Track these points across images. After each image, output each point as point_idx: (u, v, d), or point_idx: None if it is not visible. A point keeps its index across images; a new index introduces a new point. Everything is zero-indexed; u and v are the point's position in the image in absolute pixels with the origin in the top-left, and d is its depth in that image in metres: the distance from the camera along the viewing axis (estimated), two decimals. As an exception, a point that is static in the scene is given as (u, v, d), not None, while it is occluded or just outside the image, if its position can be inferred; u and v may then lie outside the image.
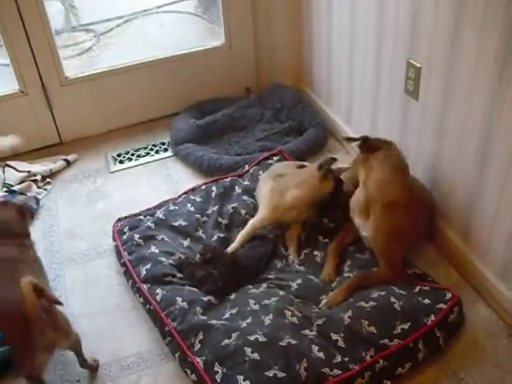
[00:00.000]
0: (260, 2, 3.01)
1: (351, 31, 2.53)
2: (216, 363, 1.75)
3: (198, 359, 1.79)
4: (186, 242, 2.27)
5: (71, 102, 2.94)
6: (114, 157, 2.91)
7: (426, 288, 1.96)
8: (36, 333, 1.55)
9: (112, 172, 2.82)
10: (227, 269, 2.06)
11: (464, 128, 1.93)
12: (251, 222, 2.24)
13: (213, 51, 3.12)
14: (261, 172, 2.51)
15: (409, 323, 1.83)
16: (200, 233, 2.32)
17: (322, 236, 2.25)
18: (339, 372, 1.72)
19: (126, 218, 2.40)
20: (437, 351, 1.84)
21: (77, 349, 1.81)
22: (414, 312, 1.86)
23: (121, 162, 2.88)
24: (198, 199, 2.43)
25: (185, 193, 2.49)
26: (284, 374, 1.69)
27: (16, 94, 2.85)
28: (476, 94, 1.83)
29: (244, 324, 1.86)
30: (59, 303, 1.69)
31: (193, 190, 2.51)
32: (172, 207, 2.39)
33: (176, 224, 2.31)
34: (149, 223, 2.30)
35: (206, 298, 1.98)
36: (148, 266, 2.11)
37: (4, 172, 2.72)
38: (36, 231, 2.38)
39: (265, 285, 2.06)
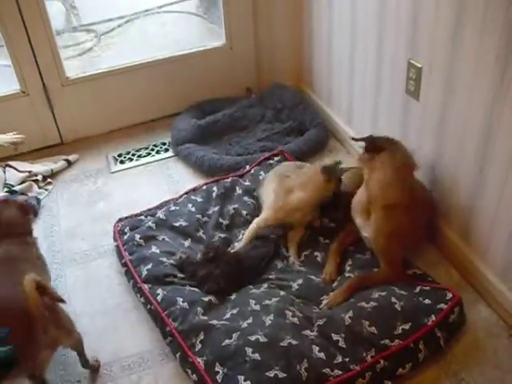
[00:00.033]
0: (261, 3, 3.01)
1: (352, 32, 2.53)
2: (217, 363, 1.76)
3: (199, 359, 1.79)
4: (186, 243, 2.27)
5: (72, 102, 2.94)
6: (114, 157, 2.92)
7: (427, 288, 1.96)
8: (39, 330, 1.56)
9: (113, 172, 2.82)
10: (229, 268, 2.07)
11: (464, 128, 1.93)
12: (255, 221, 2.25)
13: (214, 51, 3.12)
14: (262, 172, 2.51)
15: (409, 323, 1.83)
16: (201, 233, 2.32)
17: (323, 237, 2.25)
18: (340, 372, 1.72)
19: (126, 218, 2.41)
20: (437, 351, 1.84)
21: (79, 348, 1.82)
22: (414, 312, 1.86)
23: (122, 162, 2.88)
24: (199, 199, 2.44)
25: (186, 193, 2.49)
26: (285, 375, 1.69)
27: (17, 94, 2.85)
28: (477, 94, 1.83)
29: (245, 324, 1.86)
30: (62, 301, 1.70)
31: (194, 190, 2.51)
32: (173, 207, 2.39)
33: (177, 224, 2.31)
34: (150, 223, 2.31)
35: (206, 299, 1.98)
36: (149, 266, 2.11)
37: (5, 172, 2.73)
38: (37, 231, 2.36)
39: (265, 285, 2.06)
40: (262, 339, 1.78)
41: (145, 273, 2.10)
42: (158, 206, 2.45)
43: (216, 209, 2.40)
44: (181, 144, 2.87)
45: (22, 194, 2.63)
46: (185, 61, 3.07)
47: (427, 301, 1.90)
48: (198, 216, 2.37)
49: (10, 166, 2.76)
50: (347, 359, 1.76)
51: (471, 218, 2.02)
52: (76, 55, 3.71)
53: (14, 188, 2.65)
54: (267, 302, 1.93)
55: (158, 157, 2.90)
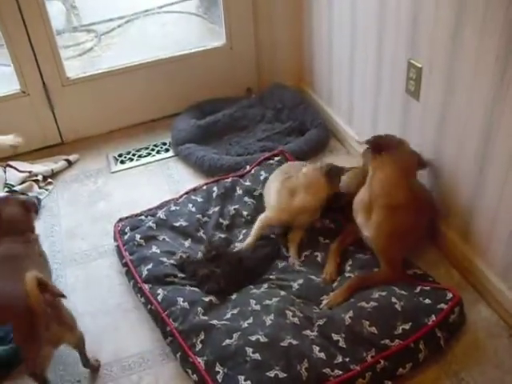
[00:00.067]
0: (261, 3, 3.01)
1: (352, 32, 2.53)
2: (217, 363, 1.76)
3: (200, 359, 1.79)
4: (186, 243, 2.27)
5: (72, 102, 2.95)
6: (115, 157, 2.92)
7: (427, 288, 1.96)
8: (41, 327, 1.58)
9: (113, 172, 2.82)
10: (230, 268, 2.07)
11: (464, 128, 1.93)
12: (260, 218, 2.25)
13: (214, 51, 3.12)
14: (262, 172, 2.51)
15: (410, 323, 1.83)
16: (201, 233, 2.32)
17: (323, 237, 2.25)
18: (340, 372, 1.72)
19: (127, 218, 2.41)
20: (438, 351, 1.84)
21: (80, 346, 1.82)
22: (414, 312, 1.86)
23: (122, 162, 2.88)
24: (199, 199, 2.44)
25: (186, 193, 2.49)
26: (285, 375, 1.69)
27: (17, 94, 2.85)
28: (477, 94, 1.83)
29: (245, 324, 1.86)
30: (63, 296, 1.71)
31: (194, 190, 2.51)
32: (173, 207, 2.39)
33: (177, 224, 2.32)
34: (150, 223, 2.31)
35: (207, 299, 1.98)
36: (149, 266, 2.12)
37: (5, 172, 2.73)
38: (37, 231, 2.37)
39: (266, 285, 2.06)
40: (263, 339, 1.78)
41: (145, 273, 2.10)
42: (159, 206, 2.45)
43: (216, 209, 2.40)
44: (181, 144, 2.87)
45: (23, 194, 2.63)
46: (185, 61, 3.07)
47: (427, 301, 1.90)
48: (198, 216, 2.37)
49: (11, 166, 2.76)
50: (347, 359, 1.76)
51: (471, 218, 2.02)
52: (76, 55, 3.71)
53: (15, 188, 2.65)
54: (268, 301, 1.93)
55: (158, 157, 2.90)
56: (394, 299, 1.89)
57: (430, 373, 1.82)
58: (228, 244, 2.24)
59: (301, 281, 2.07)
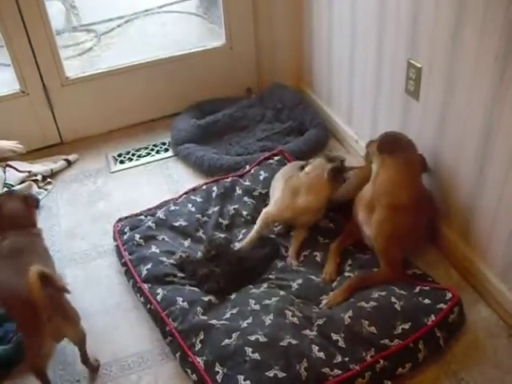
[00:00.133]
0: (261, 3, 3.01)
1: (352, 32, 2.53)
2: (217, 363, 1.76)
3: (199, 359, 1.79)
4: (186, 242, 2.27)
5: (72, 102, 2.94)
6: (114, 157, 2.92)
7: (427, 288, 1.96)
8: (43, 319, 1.60)
9: (113, 172, 2.82)
10: (230, 267, 2.07)
11: (464, 128, 1.93)
12: (263, 212, 2.24)
13: (214, 51, 3.12)
14: (262, 172, 2.51)
15: (409, 323, 1.83)
16: (200, 233, 2.32)
17: (323, 237, 2.25)
18: (339, 372, 1.72)
19: (126, 218, 2.41)
20: (437, 351, 1.84)
21: (81, 343, 1.83)
22: (414, 312, 1.86)
23: (121, 162, 2.88)
24: (199, 199, 2.44)
25: (185, 193, 2.49)
26: (284, 374, 1.69)
27: (17, 94, 2.85)
28: (476, 94, 1.83)
29: (244, 324, 1.86)
30: (66, 291, 1.73)
31: (193, 190, 2.51)
32: (173, 207, 2.39)
33: (177, 224, 2.31)
34: (149, 223, 2.31)
35: (206, 298, 1.98)
36: (149, 266, 2.11)
37: (5, 172, 2.72)
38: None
39: (265, 285, 2.06)
40: (262, 339, 1.78)
41: (144, 272, 2.10)
42: (158, 205, 2.45)
43: (216, 209, 2.40)
44: (180, 144, 2.87)
45: (22, 194, 2.63)
46: (185, 61, 3.07)
47: (427, 301, 1.90)
48: (197, 216, 2.37)
49: (10, 166, 2.75)
50: (347, 359, 1.76)
51: (471, 218, 2.02)
52: (76, 55, 3.71)
53: (14, 188, 2.64)
54: (267, 301, 1.93)
55: (157, 157, 2.90)
56: (393, 299, 1.89)
57: (429, 373, 1.81)
58: (228, 244, 2.24)
59: (300, 280, 2.06)
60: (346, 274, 2.07)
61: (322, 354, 1.76)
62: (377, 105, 2.47)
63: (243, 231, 2.31)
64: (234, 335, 1.82)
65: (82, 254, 2.37)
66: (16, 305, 1.67)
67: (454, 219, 2.12)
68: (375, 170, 2.03)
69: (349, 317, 1.85)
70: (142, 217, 2.39)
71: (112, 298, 2.16)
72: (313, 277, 2.09)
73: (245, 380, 1.69)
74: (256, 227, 2.22)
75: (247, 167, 2.60)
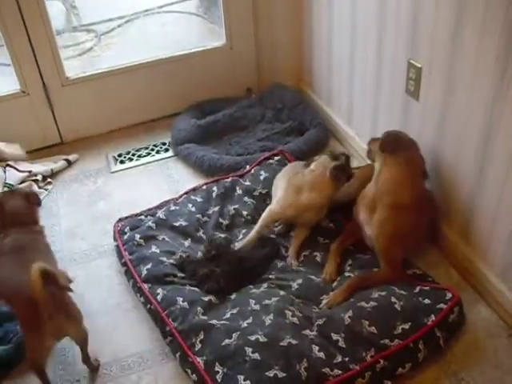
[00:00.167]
0: (261, 3, 3.01)
1: (352, 32, 2.53)
2: (217, 363, 1.76)
3: (199, 359, 1.79)
4: (186, 243, 2.27)
5: (72, 102, 2.94)
6: (114, 157, 2.92)
7: (427, 288, 1.96)
8: (44, 316, 1.61)
9: (113, 172, 2.82)
10: (230, 267, 2.07)
11: (464, 128, 1.93)
12: (266, 210, 2.24)
13: (214, 51, 3.12)
14: (262, 172, 2.51)
15: (409, 323, 1.83)
16: (201, 233, 2.32)
17: (322, 237, 2.25)
18: (340, 372, 1.72)
19: (126, 218, 2.41)
20: (437, 351, 1.84)
21: (83, 342, 1.83)
22: (414, 312, 1.86)
23: (122, 162, 2.88)
24: (199, 199, 2.44)
25: (186, 193, 2.49)
26: (284, 374, 1.69)
27: (17, 94, 2.85)
28: (477, 94, 1.83)
29: (245, 324, 1.86)
30: (69, 289, 1.74)
31: (194, 190, 2.51)
32: (173, 207, 2.39)
33: (177, 224, 2.31)
34: (150, 223, 2.31)
35: (206, 298, 1.98)
36: (149, 266, 2.11)
37: (5, 172, 2.72)
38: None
39: (265, 285, 2.06)
40: (262, 339, 1.78)
41: (145, 272, 2.10)
42: (158, 205, 2.45)
43: (216, 209, 2.40)
44: (181, 144, 2.87)
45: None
46: (185, 61, 3.07)
47: (427, 301, 1.90)
48: (197, 216, 2.37)
49: (10, 166, 2.76)
50: (347, 359, 1.76)
51: (471, 218, 2.02)
52: (76, 55, 3.72)
53: (14, 188, 2.64)
54: (267, 301, 1.93)
55: (157, 157, 2.90)
56: (393, 299, 1.89)
57: (429, 372, 1.82)
58: (228, 244, 2.24)
59: (300, 280, 2.07)
60: (347, 274, 2.07)
61: (322, 354, 1.76)
62: (377, 105, 2.47)
63: (243, 231, 2.31)
64: (234, 335, 1.82)
65: (82, 254, 2.37)
66: (18, 302, 1.67)
67: (454, 219, 2.12)
68: (377, 169, 2.03)
69: (349, 317, 1.85)
70: (142, 217, 2.39)
71: (112, 298, 2.16)
72: (313, 277, 2.09)
73: (245, 380, 1.69)
74: (257, 227, 2.22)
75: (247, 167, 2.60)
